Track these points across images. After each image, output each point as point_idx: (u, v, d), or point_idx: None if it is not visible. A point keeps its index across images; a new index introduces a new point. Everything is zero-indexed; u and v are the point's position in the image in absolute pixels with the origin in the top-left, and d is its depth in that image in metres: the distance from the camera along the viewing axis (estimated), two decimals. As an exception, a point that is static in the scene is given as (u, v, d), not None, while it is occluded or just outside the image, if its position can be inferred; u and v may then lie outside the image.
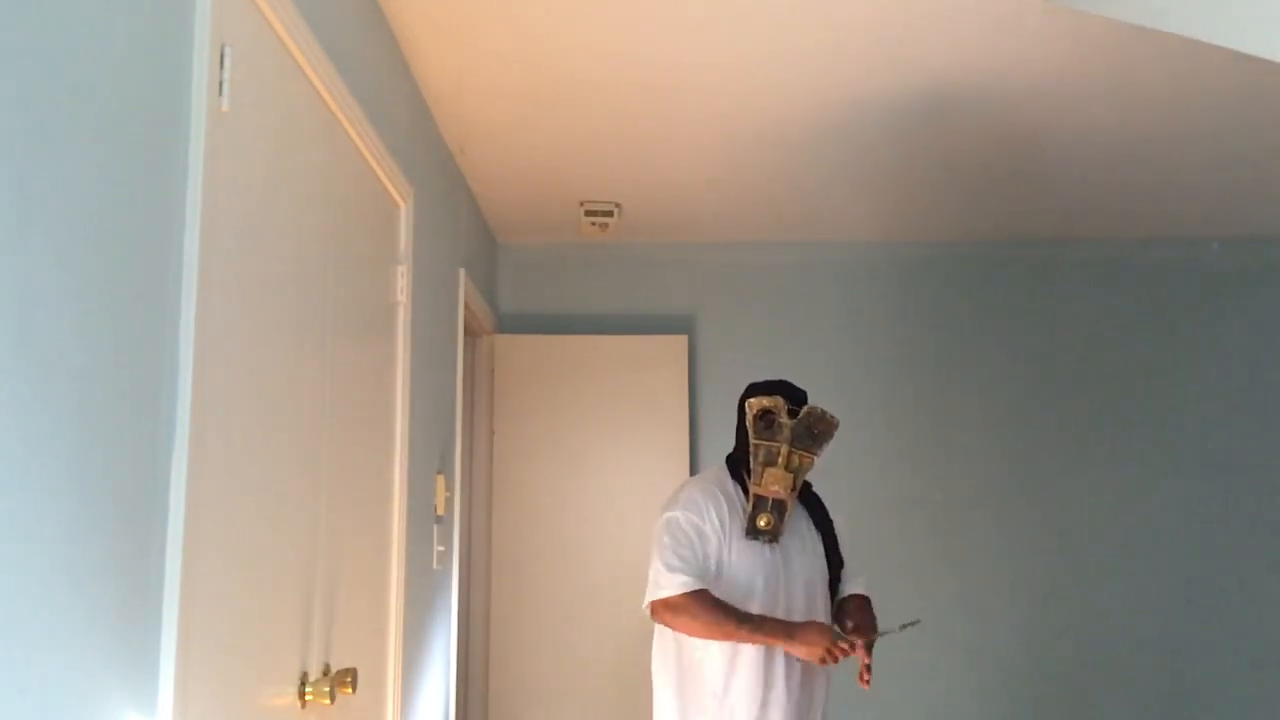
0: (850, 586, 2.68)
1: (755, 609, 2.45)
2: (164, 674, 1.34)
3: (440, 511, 3.14)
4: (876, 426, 4.39)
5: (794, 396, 2.58)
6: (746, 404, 2.50)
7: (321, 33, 1.98)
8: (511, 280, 4.54)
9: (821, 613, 2.56)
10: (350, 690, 1.97)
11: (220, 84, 1.53)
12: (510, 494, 4.24)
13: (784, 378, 2.68)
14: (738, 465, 2.60)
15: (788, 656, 2.45)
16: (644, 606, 2.47)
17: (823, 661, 2.37)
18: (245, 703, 1.63)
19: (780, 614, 2.47)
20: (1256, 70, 2.75)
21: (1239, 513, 4.34)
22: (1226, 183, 3.77)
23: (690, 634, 2.43)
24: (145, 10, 1.35)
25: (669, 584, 2.41)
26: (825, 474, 4.42)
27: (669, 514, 2.52)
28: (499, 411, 4.28)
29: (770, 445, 2.46)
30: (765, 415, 2.46)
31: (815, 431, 2.49)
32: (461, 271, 3.53)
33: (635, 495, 4.19)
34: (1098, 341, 4.45)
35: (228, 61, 1.54)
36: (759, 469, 2.46)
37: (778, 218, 4.20)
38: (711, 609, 2.38)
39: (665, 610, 2.42)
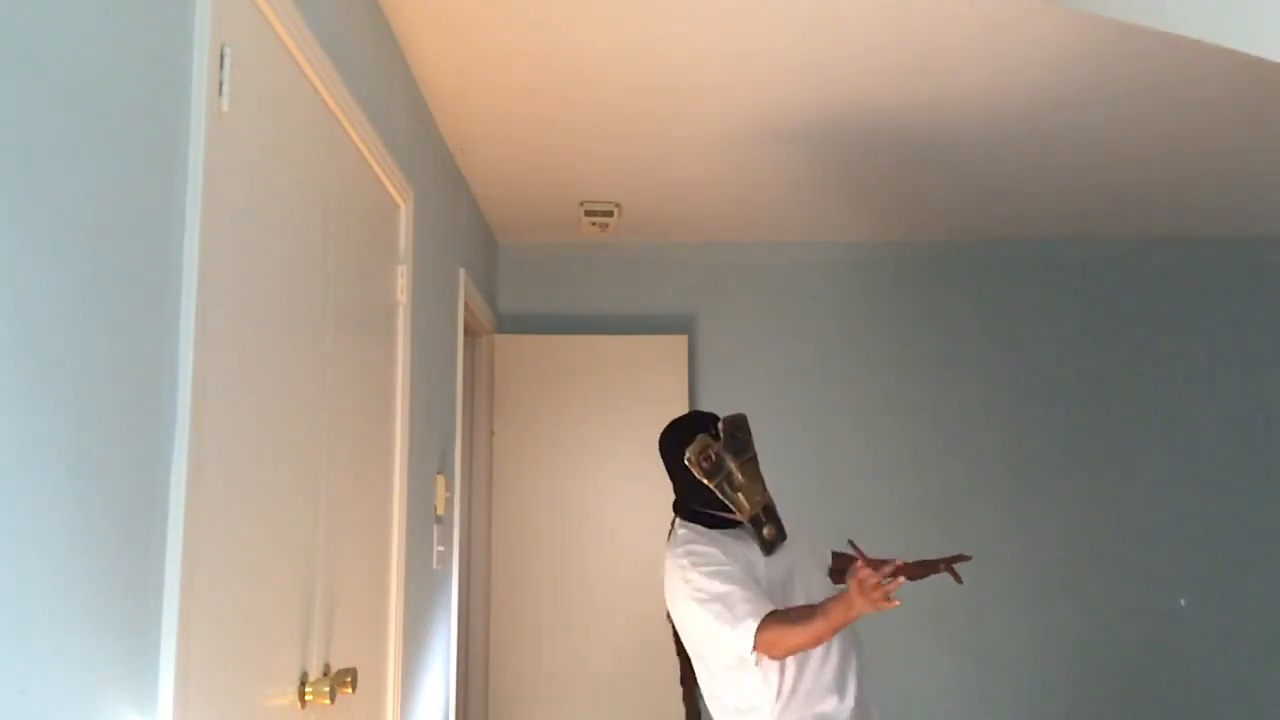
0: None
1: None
2: (164, 674, 1.34)
3: (440, 512, 3.14)
4: (876, 426, 4.39)
5: (709, 421, 2.57)
6: (686, 461, 2.50)
7: (321, 33, 1.98)
8: (511, 280, 4.54)
9: (817, 589, 2.56)
10: (350, 690, 1.97)
11: (220, 84, 1.53)
12: (510, 494, 4.24)
13: (787, 378, 2.68)
14: (698, 514, 2.55)
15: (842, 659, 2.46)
16: (749, 655, 2.35)
17: (884, 601, 2.22)
18: (245, 703, 1.63)
19: (803, 599, 2.46)
20: (1256, 70, 2.75)
21: (1241, 513, 4.34)
22: (1226, 183, 3.77)
23: (795, 651, 2.34)
24: (145, 10, 1.35)
25: (746, 634, 2.31)
26: (826, 476, 4.42)
27: (691, 574, 2.41)
28: (499, 411, 4.28)
29: (727, 474, 2.50)
30: (704, 455, 2.49)
31: (738, 436, 2.54)
32: (461, 271, 3.53)
33: (635, 495, 4.19)
34: (1097, 341, 4.45)
35: (228, 62, 1.54)
36: (733, 497, 2.49)
37: (778, 218, 4.19)
38: (792, 618, 2.30)
39: (763, 651, 2.33)
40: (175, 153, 1.41)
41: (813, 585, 2.56)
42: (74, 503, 1.15)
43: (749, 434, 2.57)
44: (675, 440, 2.56)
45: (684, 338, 4.33)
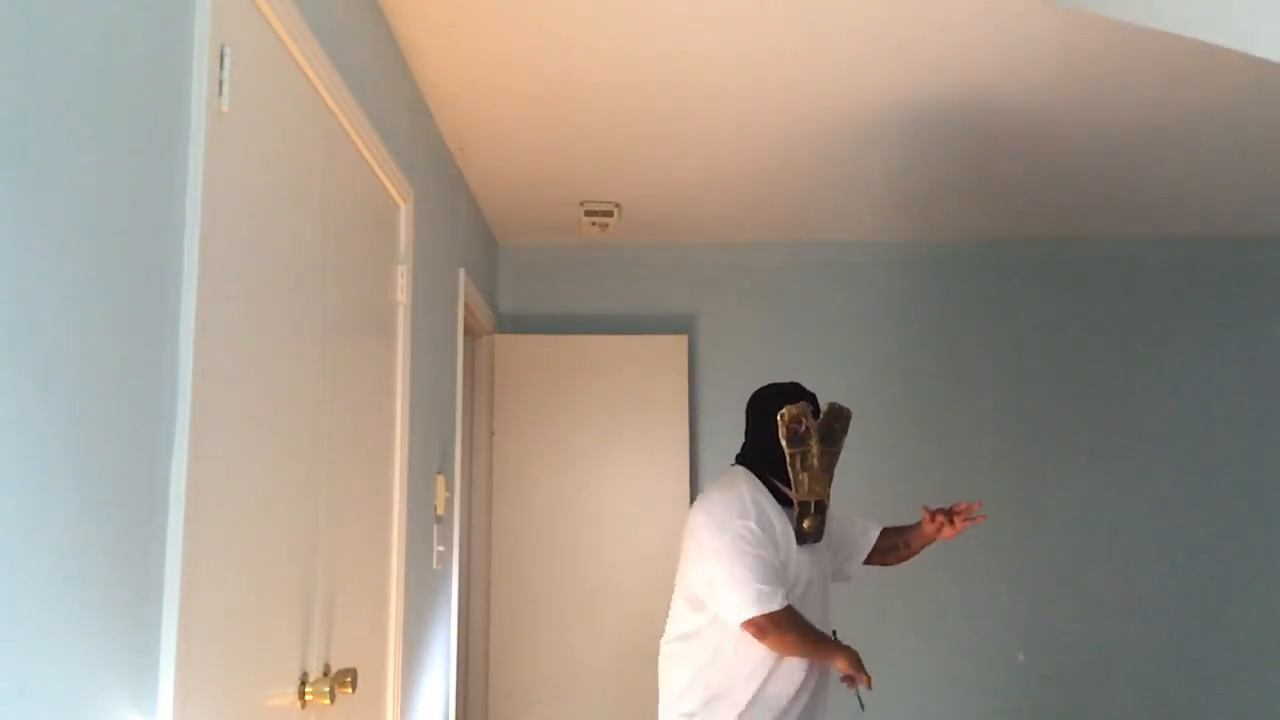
0: (872, 530, 2.83)
1: (810, 612, 2.50)
2: (164, 674, 1.34)
3: (440, 512, 3.14)
4: (876, 427, 4.39)
5: (809, 398, 2.64)
6: (779, 415, 2.51)
7: (321, 33, 1.98)
8: (511, 280, 4.54)
9: (831, 600, 2.64)
10: (350, 690, 1.97)
11: (220, 84, 1.53)
12: (510, 494, 4.24)
13: (787, 378, 2.71)
14: (763, 471, 2.57)
15: (811, 667, 2.51)
16: (736, 623, 2.41)
17: (861, 677, 2.42)
18: (245, 703, 1.63)
19: (819, 609, 2.54)
20: (1256, 70, 2.75)
21: (1240, 513, 4.34)
22: (1226, 183, 3.77)
23: (779, 650, 2.42)
24: (145, 10, 1.35)
25: (767, 601, 2.38)
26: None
27: (742, 522, 2.45)
28: (499, 411, 4.28)
29: (805, 450, 2.51)
30: (796, 420, 2.50)
31: (835, 428, 2.58)
32: (461, 271, 3.53)
33: (635, 495, 4.20)
34: (1099, 341, 4.45)
35: (228, 62, 1.54)
36: (798, 476, 2.51)
37: (778, 218, 4.20)
38: (801, 627, 2.41)
39: (753, 627, 2.39)
40: (175, 153, 1.42)
41: (825, 595, 2.61)
42: (74, 503, 1.15)
43: (844, 432, 2.60)
44: (774, 397, 2.60)
45: (684, 338, 4.33)
